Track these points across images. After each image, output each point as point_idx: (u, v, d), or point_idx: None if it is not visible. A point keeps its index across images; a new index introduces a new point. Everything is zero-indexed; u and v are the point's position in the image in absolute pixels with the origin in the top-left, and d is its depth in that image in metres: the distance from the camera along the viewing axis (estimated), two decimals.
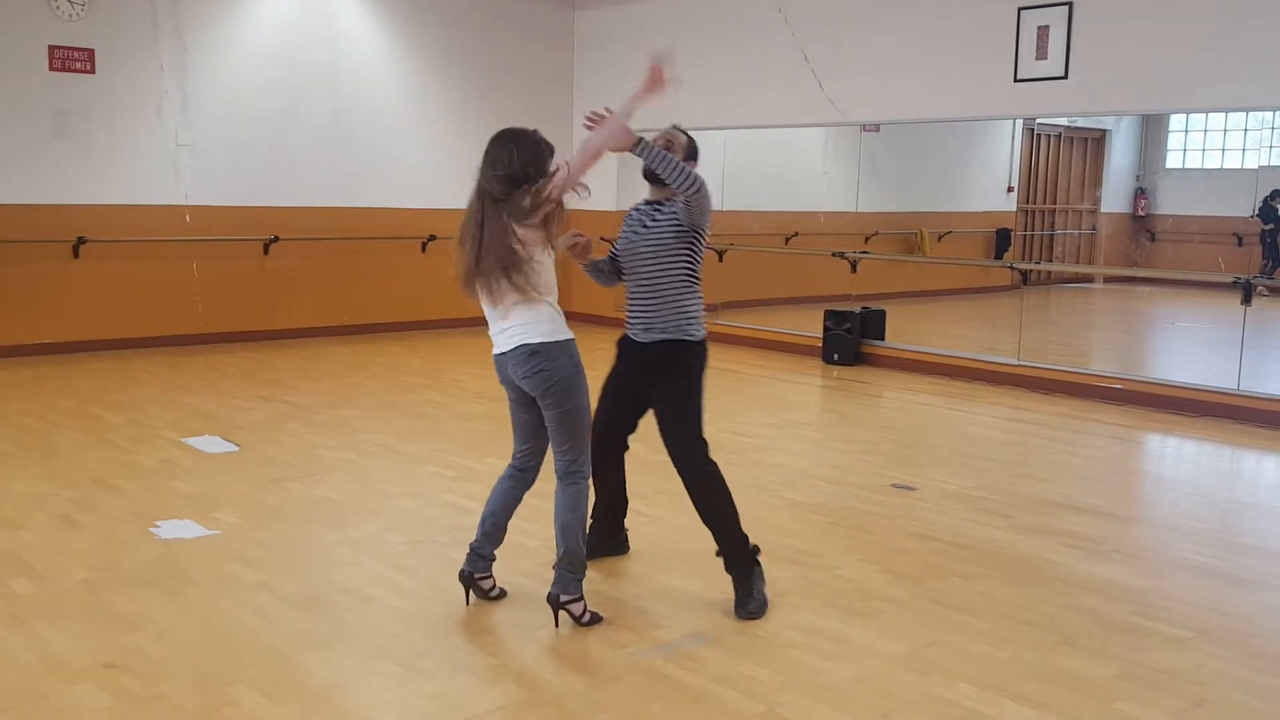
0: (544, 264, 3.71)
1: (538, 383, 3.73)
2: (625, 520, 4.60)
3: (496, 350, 3.83)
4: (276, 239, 10.20)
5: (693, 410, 4.07)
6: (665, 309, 4.06)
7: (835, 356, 9.86)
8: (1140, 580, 4.47)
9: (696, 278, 4.10)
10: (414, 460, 6.12)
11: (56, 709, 3.17)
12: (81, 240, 9.19)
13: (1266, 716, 3.33)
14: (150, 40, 9.45)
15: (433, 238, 11.08)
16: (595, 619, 3.85)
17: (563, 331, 3.76)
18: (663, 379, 4.07)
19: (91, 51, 9.16)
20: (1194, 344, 11.94)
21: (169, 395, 7.72)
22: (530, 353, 3.71)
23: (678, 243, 4.03)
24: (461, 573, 4.00)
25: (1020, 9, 8.42)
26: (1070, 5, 8.15)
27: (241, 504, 5.20)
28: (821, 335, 10.01)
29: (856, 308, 9.99)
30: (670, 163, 3.83)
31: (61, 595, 4.04)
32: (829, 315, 9.98)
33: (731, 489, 5.22)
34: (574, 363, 3.75)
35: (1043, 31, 8.33)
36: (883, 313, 10.07)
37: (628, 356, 4.24)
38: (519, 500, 4.03)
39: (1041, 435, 7.31)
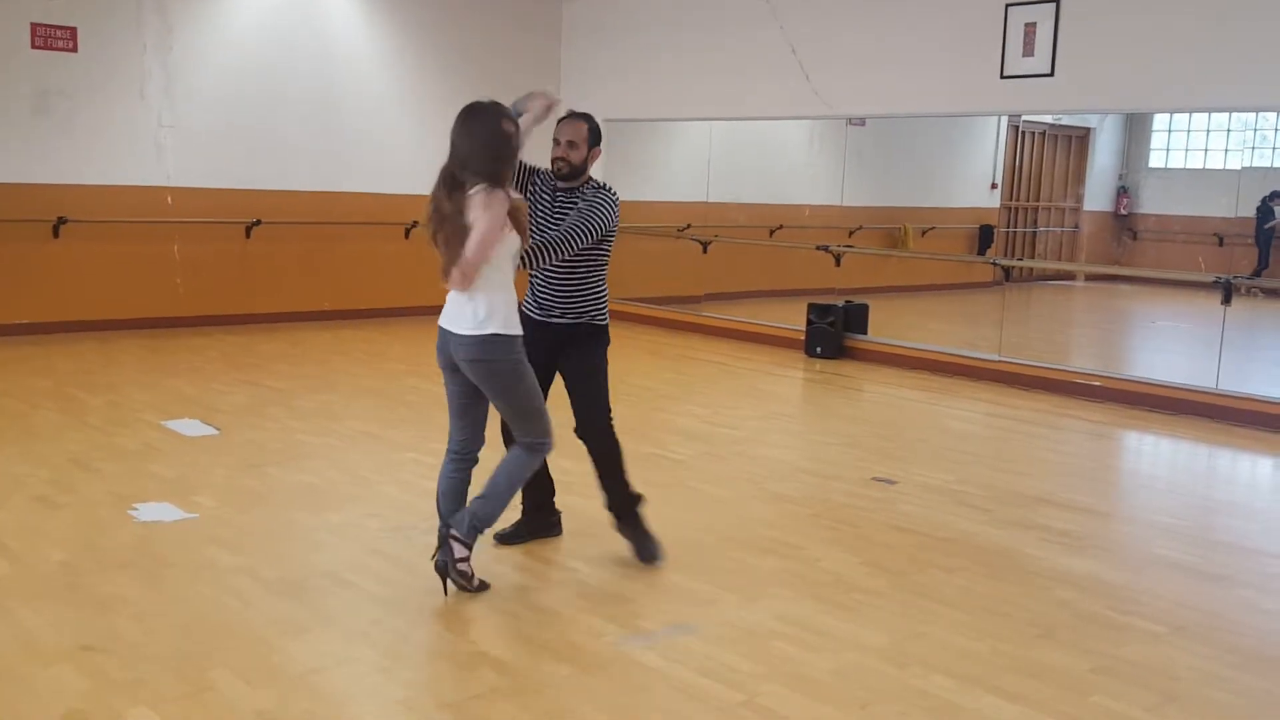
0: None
1: (479, 372, 3.78)
2: (555, 501, 4.68)
3: (441, 324, 3.85)
4: (259, 222, 10.15)
5: (605, 387, 4.37)
6: (580, 296, 4.30)
7: (818, 350, 9.87)
8: (1117, 575, 4.50)
9: (605, 267, 4.37)
10: (395, 446, 6.10)
11: (34, 691, 3.15)
12: (62, 220, 9.12)
13: (1239, 711, 3.36)
14: (134, 19, 9.37)
15: (415, 224, 11.03)
16: (481, 586, 3.96)
17: (515, 326, 3.81)
18: (578, 357, 4.33)
19: (74, 30, 9.07)
20: (1174, 343, 12.01)
21: (149, 378, 7.68)
22: (478, 342, 3.74)
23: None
24: (436, 563, 3.91)
25: (1008, 5, 8.43)
26: (1058, 3, 8.17)
27: (221, 488, 5.18)
28: (805, 328, 10.03)
29: (840, 301, 10.01)
30: (561, 251, 4.09)
31: (39, 577, 4.01)
32: (812, 308, 9.99)
33: (716, 481, 5.33)
34: (518, 357, 3.82)
35: (1030, 28, 8.35)
36: (866, 307, 10.10)
37: (535, 336, 4.17)
38: (469, 480, 4.01)
39: (1022, 431, 7.35)
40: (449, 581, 3.92)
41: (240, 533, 4.58)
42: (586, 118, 4.35)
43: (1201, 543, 5.02)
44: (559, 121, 4.34)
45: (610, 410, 4.40)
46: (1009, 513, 5.30)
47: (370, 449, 6.05)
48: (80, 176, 9.25)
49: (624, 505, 4.42)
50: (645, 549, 4.38)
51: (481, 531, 3.91)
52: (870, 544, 4.76)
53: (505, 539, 4.52)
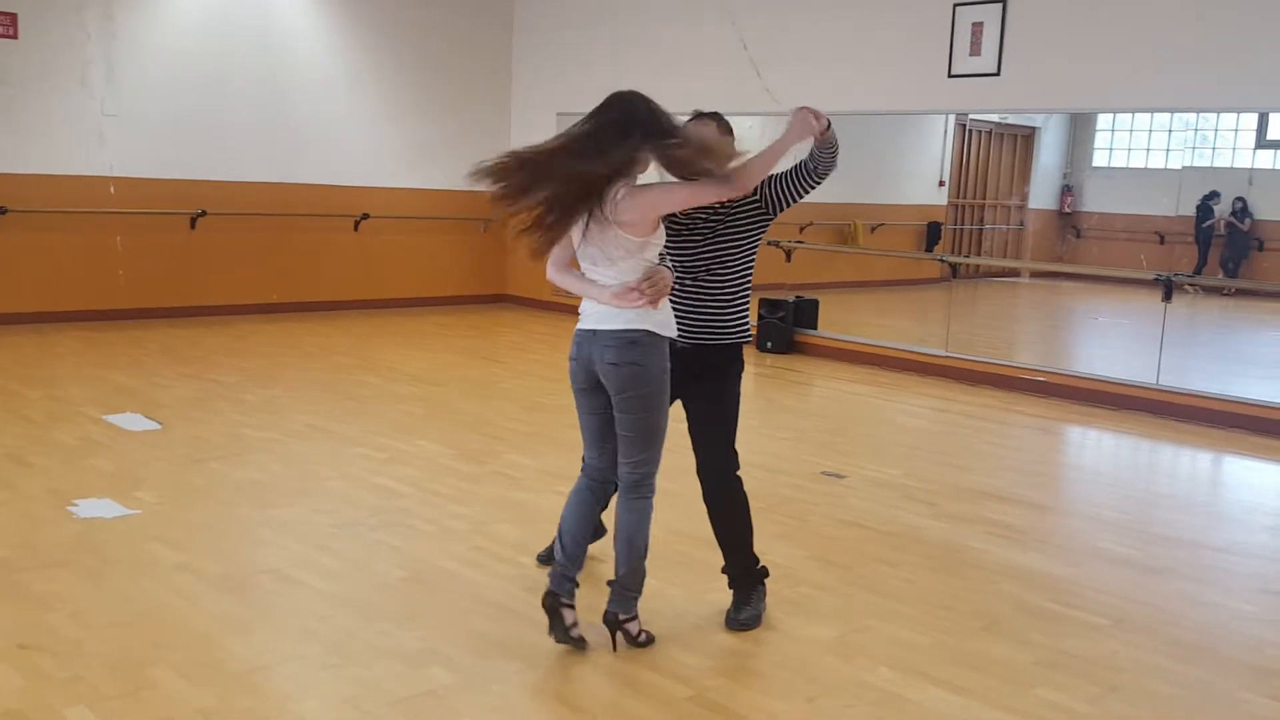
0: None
1: (624, 377, 3.35)
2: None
3: (584, 326, 3.43)
4: (204, 213, 10.00)
5: (733, 416, 3.80)
6: (731, 308, 3.71)
7: (769, 345, 9.92)
8: (1060, 569, 4.57)
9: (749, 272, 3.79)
10: (343, 441, 6.04)
11: None
12: (1, 210, 8.93)
13: (1180, 702, 3.42)
14: (76, 6, 9.18)
15: (366, 216, 10.94)
16: (649, 639, 3.58)
17: (667, 326, 3.43)
18: (709, 382, 3.74)
19: (15, 16, 8.88)
20: (1116, 339, 12.21)
21: (89, 371, 7.54)
22: (631, 341, 3.34)
23: (757, 232, 3.71)
24: (546, 595, 3.51)
25: (955, 5, 8.51)
26: (1004, 3, 8.26)
27: (163, 483, 5.10)
28: (755, 323, 10.07)
29: (790, 297, 10.06)
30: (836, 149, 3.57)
31: None
32: (763, 304, 10.04)
33: (664, 475, 5.19)
34: (667, 365, 3.42)
35: (977, 28, 8.43)
36: (816, 302, 10.16)
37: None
38: (597, 515, 3.66)
39: (967, 425, 7.43)
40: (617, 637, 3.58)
41: (183, 529, 4.51)
42: (715, 116, 3.71)
43: (1143, 536, 5.11)
44: (685, 124, 3.62)
45: (730, 448, 3.84)
46: (954, 507, 5.36)
47: (317, 444, 5.99)
48: (20, 165, 9.06)
49: (731, 572, 3.88)
50: (740, 615, 3.79)
51: (638, 596, 3.57)
52: (817, 538, 4.79)
53: (548, 560, 4.06)
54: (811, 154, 3.64)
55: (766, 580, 3.91)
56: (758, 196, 3.69)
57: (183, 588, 3.89)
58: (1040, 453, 7.08)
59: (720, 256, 3.68)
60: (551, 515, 4.60)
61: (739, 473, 3.87)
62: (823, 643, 3.67)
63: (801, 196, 3.69)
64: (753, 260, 3.75)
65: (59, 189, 9.27)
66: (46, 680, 3.16)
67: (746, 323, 3.77)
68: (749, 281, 3.75)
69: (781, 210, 3.74)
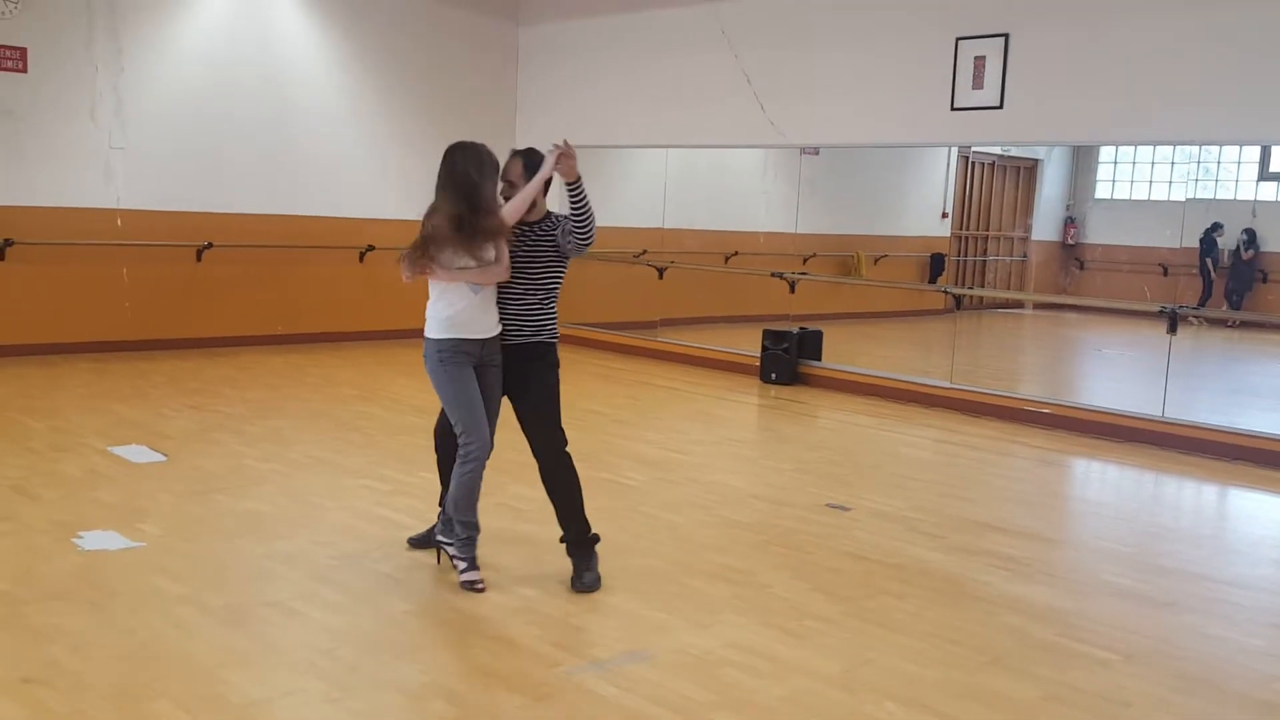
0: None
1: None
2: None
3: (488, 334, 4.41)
4: (210, 245, 10.04)
5: (557, 401, 4.48)
6: (542, 314, 4.46)
7: (773, 376, 9.92)
8: (1065, 602, 4.55)
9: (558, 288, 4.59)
10: (346, 473, 6.04)
11: None
12: (9, 242, 8.97)
13: None
14: (85, 40, 9.27)
15: (371, 248, 10.97)
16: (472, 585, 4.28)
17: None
18: (536, 373, 4.44)
19: (24, 50, 8.96)
20: (1120, 371, 12.20)
21: (95, 403, 7.55)
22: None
23: (557, 262, 4.43)
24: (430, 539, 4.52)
25: (958, 39, 8.57)
26: (1006, 37, 8.31)
27: (167, 515, 5.10)
28: (760, 354, 10.07)
29: (794, 328, 10.07)
30: (589, 210, 4.25)
31: None
32: (767, 335, 10.05)
33: (669, 507, 5.26)
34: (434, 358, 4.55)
35: (979, 62, 8.48)
36: (820, 333, 10.17)
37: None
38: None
39: (971, 457, 7.41)
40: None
41: (186, 561, 4.51)
42: (523, 154, 4.43)
43: (1148, 569, 5.08)
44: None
45: (559, 428, 4.52)
46: (959, 539, 5.34)
47: (320, 475, 5.98)
48: (28, 198, 9.11)
49: (571, 536, 4.53)
50: (583, 580, 4.41)
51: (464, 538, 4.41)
52: (821, 570, 4.77)
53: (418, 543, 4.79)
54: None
55: (599, 547, 4.49)
56: (556, 232, 4.38)
57: (185, 620, 3.89)
58: (1045, 485, 7.06)
59: (528, 274, 4.40)
60: (554, 546, 4.60)
61: (567, 449, 4.45)
62: (828, 676, 3.66)
63: (579, 245, 4.32)
64: (556, 282, 4.48)
65: (66, 221, 9.31)
66: (48, 715, 3.15)
67: (554, 327, 4.53)
68: (555, 297, 4.50)
69: (570, 254, 4.40)
